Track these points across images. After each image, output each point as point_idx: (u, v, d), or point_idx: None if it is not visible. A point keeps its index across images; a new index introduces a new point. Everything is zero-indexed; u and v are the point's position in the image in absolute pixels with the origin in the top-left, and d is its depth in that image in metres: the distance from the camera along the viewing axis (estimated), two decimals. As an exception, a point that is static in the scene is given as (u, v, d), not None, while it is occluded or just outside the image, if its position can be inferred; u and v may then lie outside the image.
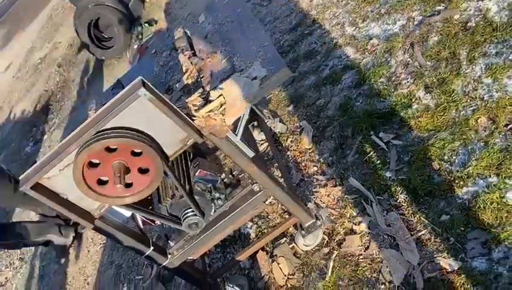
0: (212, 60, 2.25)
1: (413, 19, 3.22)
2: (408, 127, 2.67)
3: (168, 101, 1.77)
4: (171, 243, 2.29)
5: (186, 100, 1.97)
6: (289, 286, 2.56)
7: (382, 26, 3.39)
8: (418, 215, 2.31)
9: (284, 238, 2.71)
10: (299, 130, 3.23)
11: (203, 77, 2.17)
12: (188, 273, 2.48)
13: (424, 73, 2.84)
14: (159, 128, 1.81)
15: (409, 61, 3.00)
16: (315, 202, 2.72)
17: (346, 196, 2.64)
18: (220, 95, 1.89)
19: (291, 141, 3.20)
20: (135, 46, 6.18)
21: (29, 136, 6.84)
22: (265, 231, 2.81)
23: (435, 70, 2.80)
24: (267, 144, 3.24)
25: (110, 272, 3.60)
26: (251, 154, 2.09)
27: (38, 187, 1.78)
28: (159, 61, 5.09)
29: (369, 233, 2.43)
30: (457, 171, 2.32)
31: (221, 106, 1.88)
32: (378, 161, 2.67)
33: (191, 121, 1.85)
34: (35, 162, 1.83)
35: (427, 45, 2.97)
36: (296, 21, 4.24)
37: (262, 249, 2.74)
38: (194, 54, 2.37)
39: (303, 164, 3.01)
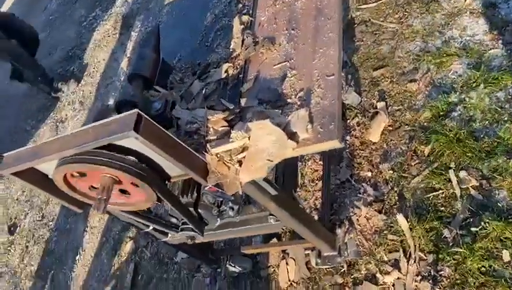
0: (266, 54, 1.69)
1: None
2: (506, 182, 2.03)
3: (169, 138, 1.36)
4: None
5: (208, 118, 1.52)
6: (289, 293, 2.37)
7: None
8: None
9: (303, 241, 2.42)
10: (372, 111, 2.62)
11: (245, 76, 1.66)
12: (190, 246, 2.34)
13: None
14: (158, 157, 1.44)
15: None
16: (349, 219, 2.32)
17: (386, 232, 2.21)
18: (245, 137, 1.43)
19: (357, 123, 2.64)
20: None
21: None
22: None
23: None
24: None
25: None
26: (273, 192, 1.69)
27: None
28: (213, 8, 4.16)
29: (390, 292, 2.07)
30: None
31: (243, 150, 1.43)
32: (443, 207, 2.14)
33: (199, 157, 1.45)
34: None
35: None
36: None
37: (278, 238, 2.49)
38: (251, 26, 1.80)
39: (358, 161, 2.52)
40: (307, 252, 2.36)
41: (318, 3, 1.63)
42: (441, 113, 2.36)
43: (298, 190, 2.60)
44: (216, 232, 2.01)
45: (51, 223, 3.98)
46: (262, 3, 1.81)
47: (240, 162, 1.43)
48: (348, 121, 2.68)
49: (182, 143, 1.39)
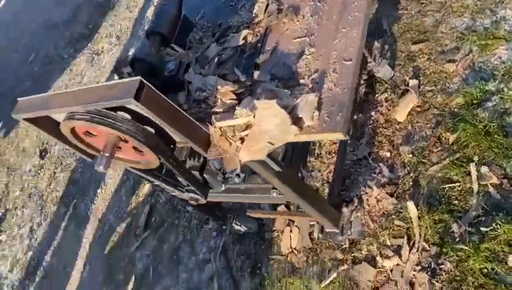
0: (288, 24, 1.60)
1: None
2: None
3: (171, 107, 1.34)
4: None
5: (217, 88, 1.49)
6: (289, 259, 2.41)
7: None
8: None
9: (310, 212, 2.41)
10: (402, 89, 2.50)
11: (262, 46, 1.59)
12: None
13: None
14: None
15: None
16: (359, 197, 2.29)
17: (394, 217, 2.17)
18: (249, 116, 1.39)
19: (385, 99, 2.52)
20: None
21: None
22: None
23: None
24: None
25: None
26: (277, 168, 1.66)
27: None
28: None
29: (387, 277, 2.06)
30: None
31: (246, 128, 1.40)
32: (457, 200, 2.06)
33: (201, 128, 1.43)
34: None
35: None
36: None
37: (287, 206, 2.50)
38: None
39: (379, 139, 2.43)
40: (312, 223, 2.37)
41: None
42: (475, 101, 2.22)
43: (313, 160, 2.57)
44: (220, 195, 2.02)
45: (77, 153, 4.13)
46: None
47: (242, 140, 1.40)
48: (376, 95, 2.57)
49: (184, 113, 1.37)
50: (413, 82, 2.46)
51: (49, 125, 1.66)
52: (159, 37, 1.70)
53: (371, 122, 2.50)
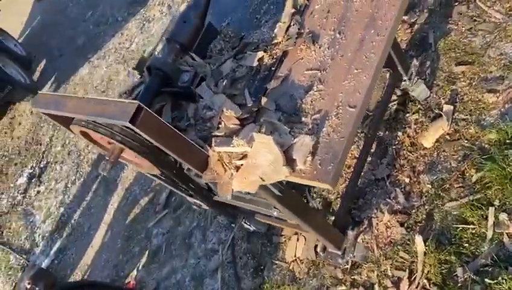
0: (304, 52, 1.55)
1: None
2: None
3: (169, 130, 1.36)
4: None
5: (223, 109, 1.48)
6: (291, 268, 2.43)
7: None
8: None
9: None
10: (436, 112, 2.37)
11: (276, 71, 1.55)
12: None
13: None
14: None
15: None
16: (369, 220, 2.25)
17: (400, 248, 2.12)
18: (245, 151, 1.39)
19: (415, 120, 2.41)
20: None
21: None
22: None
23: None
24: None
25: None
26: (277, 192, 1.66)
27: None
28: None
29: (382, 308, 2.04)
30: None
31: (243, 157, 1.40)
32: (467, 243, 1.98)
33: (200, 150, 1.45)
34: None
35: None
36: None
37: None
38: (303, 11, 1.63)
39: (401, 162, 2.35)
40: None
41: (375, 11, 1.41)
42: (507, 141, 2.07)
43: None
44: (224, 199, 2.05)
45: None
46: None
47: (237, 168, 1.40)
48: (407, 115, 2.46)
49: (182, 136, 1.38)
50: (447, 107, 2.33)
51: (64, 121, 1.72)
52: (178, 46, 1.70)
53: (396, 142, 2.41)
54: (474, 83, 2.34)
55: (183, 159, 1.39)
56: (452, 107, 2.32)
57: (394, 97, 2.51)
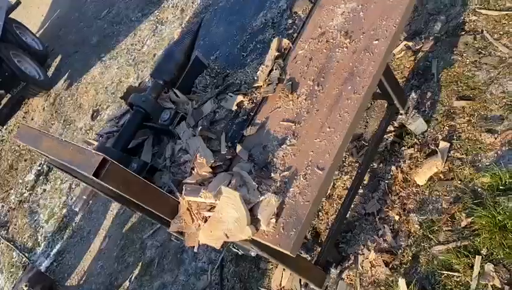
0: (282, 100, 1.52)
1: None
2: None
3: (137, 181, 1.35)
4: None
5: (196, 157, 1.47)
6: (275, 297, 2.42)
7: None
8: None
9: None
10: (431, 148, 2.31)
11: (254, 117, 1.53)
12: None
13: None
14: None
15: None
16: (355, 256, 2.21)
17: (383, 289, 2.08)
18: (212, 199, 1.38)
19: (410, 155, 2.35)
20: None
21: None
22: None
23: None
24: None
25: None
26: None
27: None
28: (268, 10, 3.60)
29: None
30: None
31: (210, 209, 1.39)
32: (452, 291, 1.93)
33: (170, 198, 1.44)
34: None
35: None
36: None
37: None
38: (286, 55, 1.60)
39: (392, 197, 2.30)
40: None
41: (355, 65, 1.37)
42: (501, 187, 2.01)
43: (323, 199, 2.49)
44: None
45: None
46: (308, 34, 1.57)
47: (205, 219, 1.39)
48: (403, 148, 2.40)
49: (151, 185, 1.37)
50: (443, 144, 2.27)
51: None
52: (161, 82, 1.69)
53: (389, 177, 2.36)
54: (473, 121, 2.27)
55: (151, 207, 1.39)
56: (448, 145, 2.26)
57: (391, 128, 2.46)
